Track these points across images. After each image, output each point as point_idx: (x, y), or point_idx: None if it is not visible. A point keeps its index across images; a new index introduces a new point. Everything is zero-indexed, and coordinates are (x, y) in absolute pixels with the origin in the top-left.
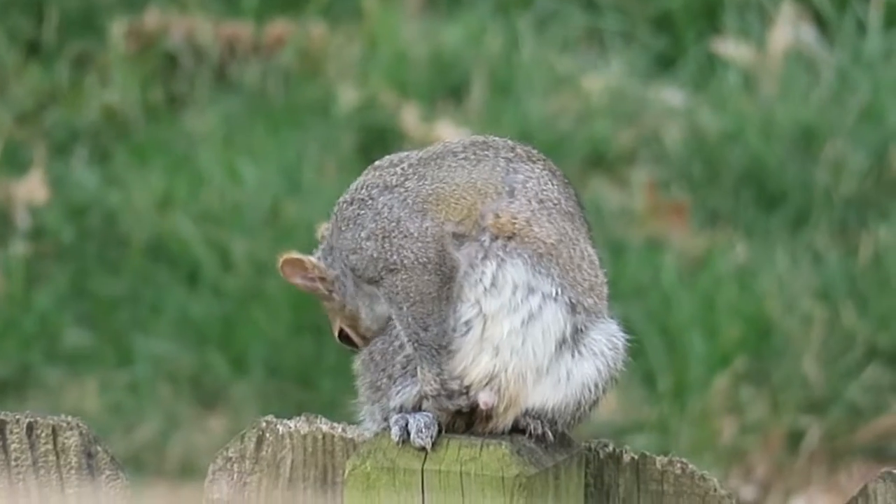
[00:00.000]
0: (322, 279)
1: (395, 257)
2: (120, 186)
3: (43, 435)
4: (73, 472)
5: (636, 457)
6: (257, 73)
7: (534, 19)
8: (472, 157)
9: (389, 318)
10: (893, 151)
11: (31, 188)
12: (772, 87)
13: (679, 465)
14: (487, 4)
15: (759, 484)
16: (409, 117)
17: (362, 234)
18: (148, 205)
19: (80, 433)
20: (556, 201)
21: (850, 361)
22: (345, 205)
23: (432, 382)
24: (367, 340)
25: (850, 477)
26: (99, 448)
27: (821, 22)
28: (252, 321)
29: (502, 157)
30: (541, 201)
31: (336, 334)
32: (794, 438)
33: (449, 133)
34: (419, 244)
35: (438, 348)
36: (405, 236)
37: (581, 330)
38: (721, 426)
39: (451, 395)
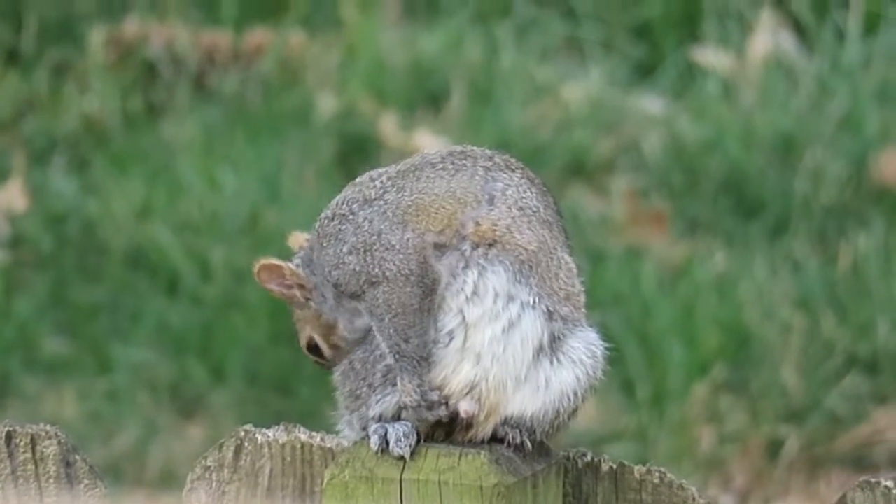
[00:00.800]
0: (300, 286)
1: (377, 270)
2: (99, 195)
3: (22, 444)
4: (51, 481)
5: (615, 466)
6: (236, 81)
7: (513, 28)
8: (451, 166)
9: (370, 329)
10: (873, 160)
11: (11, 196)
12: (751, 95)
13: (657, 474)
14: (466, 13)
15: (737, 493)
16: (388, 125)
17: (344, 249)
18: (127, 213)
19: (59, 442)
20: (535, 209)
21: (830, 370)
22: (326, 220)
23: (412, 394)
24: (337, 351)
25: (829, 485)
26: (77, 457)
27: (800, 30)
28: (231, 329)
29: (481, 166)
30: (521, 209)
31: (304, 344)
32: (774, 447)
33: (428, 141)
34: (401, 256)
35: (419, 360)
36: (387, 248)
37: (559, 338)
38: (700, 435)
39: (430, 406)
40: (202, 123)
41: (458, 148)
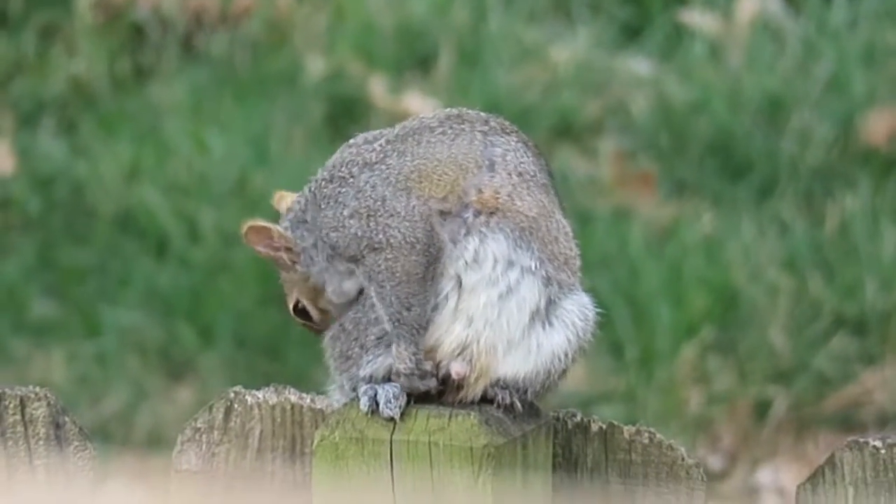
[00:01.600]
0: (288, 249)
1: (380, 236)
2: (87, 157)
3: (11, 406)
4: (41, 442)
5: (604, 426)
6: (224, 43)
7: None
8: (450, 131)
9: (359, 293)
10: (859, 121)
11: None
12: (738, 57)
13: (647, 434)
14: None
15: (725, 453)
16: (377, 88)
17: (344, 213)
18: (115, 176)
19: (48, 404)
20: (532, 173)
21: (817, 331)
22: (323, 182)
23: (407, 361)
24: (324, 314)
25: (817, 446)
26: (67, 419)
27: None
28: (220, 292)
29: (478, 131)
30: (520, 174)
31: (291, 307)
32: (761, 408)
33: (417, 103)
34: (407, 223)
35: (418, 328)
36: (391, 215)
37: (554, 301)
38: (688, 396)
39: (423, 376)
40: (190, 85)
41: (455, 111)
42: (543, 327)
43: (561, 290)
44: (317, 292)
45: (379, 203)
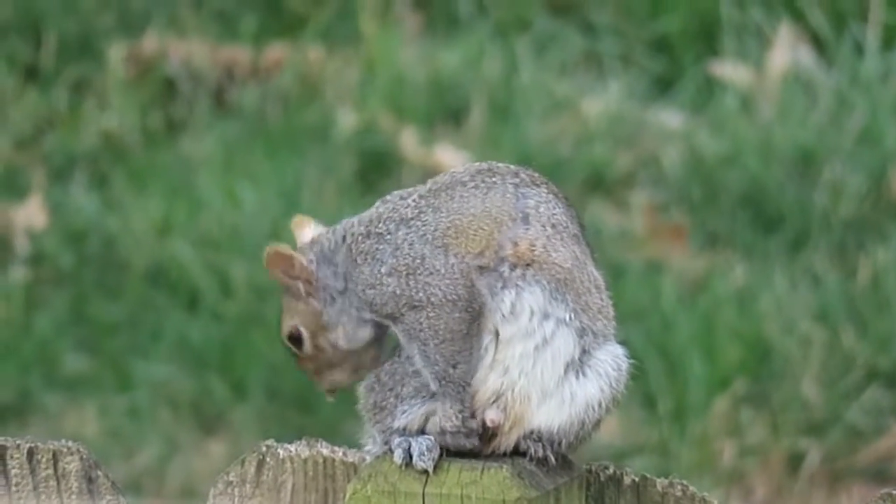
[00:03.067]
0: (307, 281)
1: (420, 294)
2: (119, 211)
3: (44, 460)
4: (73, 496)
5: (637, 479)
6: (256, 97)
7: (532, 43)
8: (482, 185)
9: (370, 343)
10: (892, 173)
11: (31, 213)
12: (770, 110)
13: (680, 487)
14: (486, 28)
15: None
16: (408, 141)
17: (382, 270)
18: (147, 230)
19: (81, 458)
20: (565, 225)
21: (850, 383)
22: (360, 238)
23: (453, 419)
24: (318, 351)
25: (851, 499)
26: (99, 473)
27: (819, 44)
28: (252, 346)
29: (510, 183)
30: (553, 226)
31: (286, 332)
32: (795, 460)
33: (448, 157)
34: (447, 281)
35: (464, 385)
36: (431, 273)
37: (588, 351)
38: (721, 448)
39: (469, 434)
40: (221, 139)
41: (485, 165)
42: (577, 377)
43: (595, 339)
44: (322, 329)
45: (418, 261)
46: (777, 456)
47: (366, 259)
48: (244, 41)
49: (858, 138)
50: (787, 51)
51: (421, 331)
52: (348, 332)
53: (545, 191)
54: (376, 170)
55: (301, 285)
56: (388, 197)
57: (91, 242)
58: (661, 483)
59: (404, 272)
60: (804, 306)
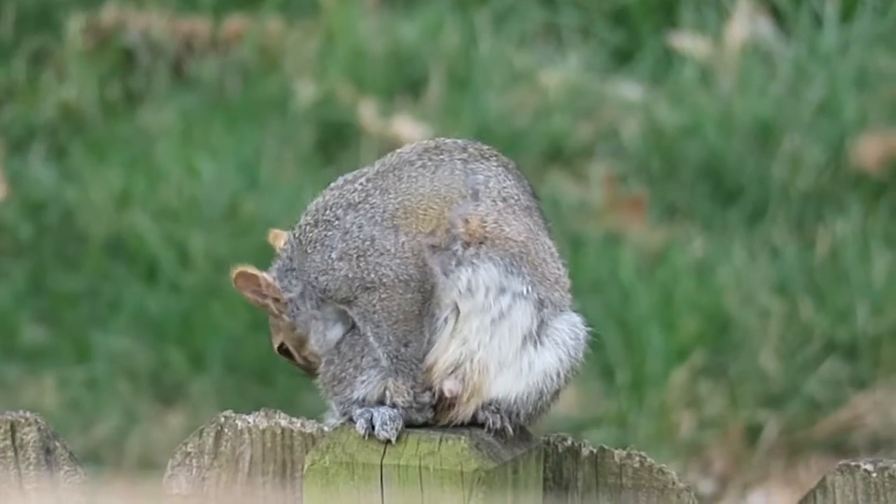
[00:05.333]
0: (275, 299)
1: (372, 276)
2: (77, 183)
3: (1, 431)
4: (31, 467)
5: (595, 450)
6: (215, 68)
7: (491, 15)
8: (429, 163)
9: (343, 336)
10: (850, 145)
11: None
12: (729, 81)
13: (637, 458)
14: (445, 0)
15: (717, 477)
16: (367, 112)
17: (333, 255)
18: (105, 201)
19: (39, 429)
20: (516, 197)
21: (808, 355)
22: (308, 227)
23: (405, 394)
24: (309, 360)
25: (809, 470)
26: (57, 444)
27: (777, 16)
28: (210, 317)
29: (458, 160)
30: (504, 199)
31: (276, 346)
32: (753, 432)
33: (407, 128)
34: (398, 261)
35: (416, 362)
36: (381, 254)
37: (545, 322)
38: (679, 420)
39: (421, 408)
40: (180, 111)
41: (432, 143)
42: (535, 347)
43: (553, 310)
44: (301, 342)
45: (368, 243)
46: (735, 428)
47: (315, 247)
48: (203, 13)
49: (817, 110)
50: (745, 22)
51: (374, 312)
52: (319, 339)
53: (495, 164)
54: (335, 141)
55: (272, 304)
56: (334, 183)
57: (49, 214)
58: (618, 454)
59: (354, 255)
60: (763, 278)
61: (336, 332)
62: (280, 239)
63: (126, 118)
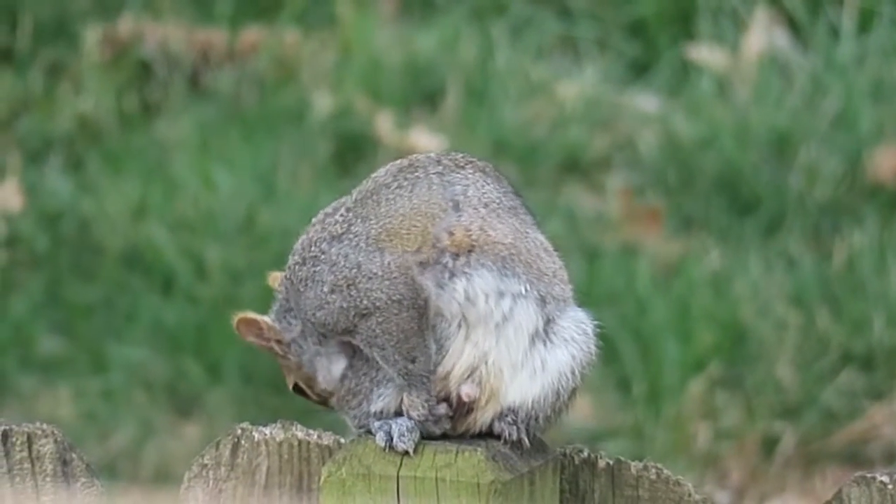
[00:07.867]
0: (278, 341)
1: (365, 302)
2: (94, 194)
3: (18, 443)
4: (48, 479)
5: (611, 462)
6: (231, 80)
7: (508, 26)
8: (406, 182)
9: (350, 363)
10: (867, 157)
11: (6, 196)
12: (746, 93)
13: (654, 470)
14: (462, 11)
15: (733, 489)
16: (384, 124)
17: (325, 290)
18: (122, 212)
19: (56, 441)
20: (498, 200)
21: (825, 366)
22: (297, 266)
23: (420, 408)
24: (320, 396)
25: (825, 481)
26: (74, 455)
27: (794, 27)
28: (226, 328)
29: (433, 174)
30: (485, 205)
31: (290, 386)
32: (769, 443)
33: (424, 140)
34: (387, 282)
35: (427, 374)
36: (370, 278)
37: (552, 320)
38: (695, 431)
39: (437, 420)
40: (197, 122)
41: (406, 162)
42: (545, 345)
43: (557, 306)
44: (311, 379)
45: (355, 270)
46: (752, 439)
47: (307, 284)
48: (220, 24)
49: (834, 122)
50: (762, 34)
51: (376, 337)
52: (325, 375)
53: (471, 171)
54: (352, 153)
55: (276, 346)
56: (315, 218)
57: (66, 225)
58: (635, 466)
59: (345, 285)
60: (779, 289)
61: (339, 365)
62: (277, 281)
63: (143, 130)
